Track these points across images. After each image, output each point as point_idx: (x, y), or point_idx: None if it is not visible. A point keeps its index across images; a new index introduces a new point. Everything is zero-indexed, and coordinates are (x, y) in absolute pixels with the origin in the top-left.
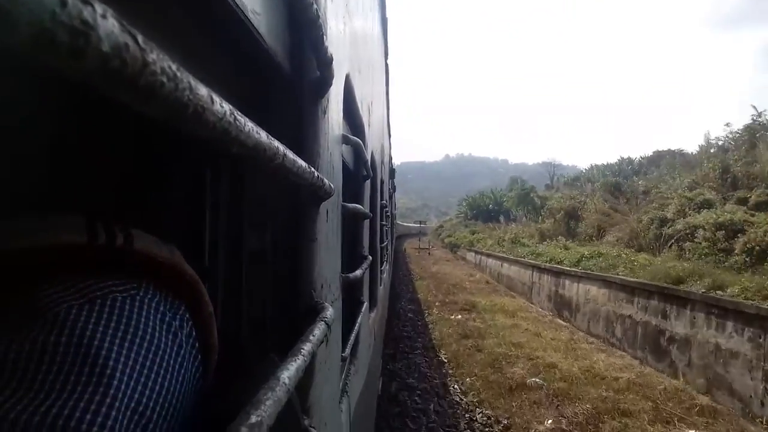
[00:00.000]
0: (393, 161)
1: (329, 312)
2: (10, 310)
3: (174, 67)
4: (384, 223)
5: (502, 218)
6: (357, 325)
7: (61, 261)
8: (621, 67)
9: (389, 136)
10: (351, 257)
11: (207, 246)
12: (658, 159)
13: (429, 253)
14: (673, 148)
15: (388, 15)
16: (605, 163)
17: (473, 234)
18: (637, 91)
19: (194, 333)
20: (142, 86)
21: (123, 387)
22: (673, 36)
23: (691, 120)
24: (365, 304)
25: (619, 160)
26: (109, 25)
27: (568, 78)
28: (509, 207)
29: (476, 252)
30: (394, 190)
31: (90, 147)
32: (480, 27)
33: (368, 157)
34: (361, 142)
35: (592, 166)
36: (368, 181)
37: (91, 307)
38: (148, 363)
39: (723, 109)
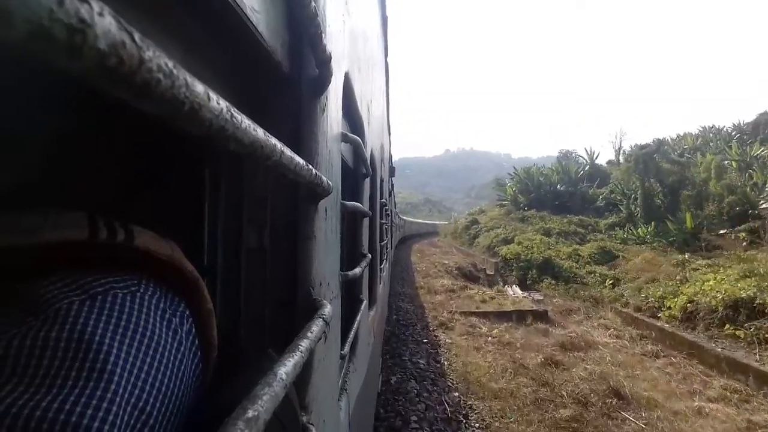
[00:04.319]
0: (392, 158)
1: (327, 309)
2: (12, 306)
3: (170, 64)
4: (384, 221)
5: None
6: (356, 323)
7: (63, 256)
8: (624, 60)
9: (389, 134)
10: (350, 255)
11: (206, 243)
12: (765, 124)
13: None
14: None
15: (388, 12)
16: (680, 134)
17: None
18: (644, 82)
19: (194, 330)
20: (138, 83)
21: (123, 383)
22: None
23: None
24: (364, 303)
25: (701, 129)
26: (106, 22)
27: (569, 71)
28: (617, 182)
29: None
30: (393, 188)
31: (90, 143)
32: (478, 18)
33: (368, 156)
34: (360, 140)
35: (660, 140)
36: (368, 180)
37: (92, 303)
38: (148, 360)
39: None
